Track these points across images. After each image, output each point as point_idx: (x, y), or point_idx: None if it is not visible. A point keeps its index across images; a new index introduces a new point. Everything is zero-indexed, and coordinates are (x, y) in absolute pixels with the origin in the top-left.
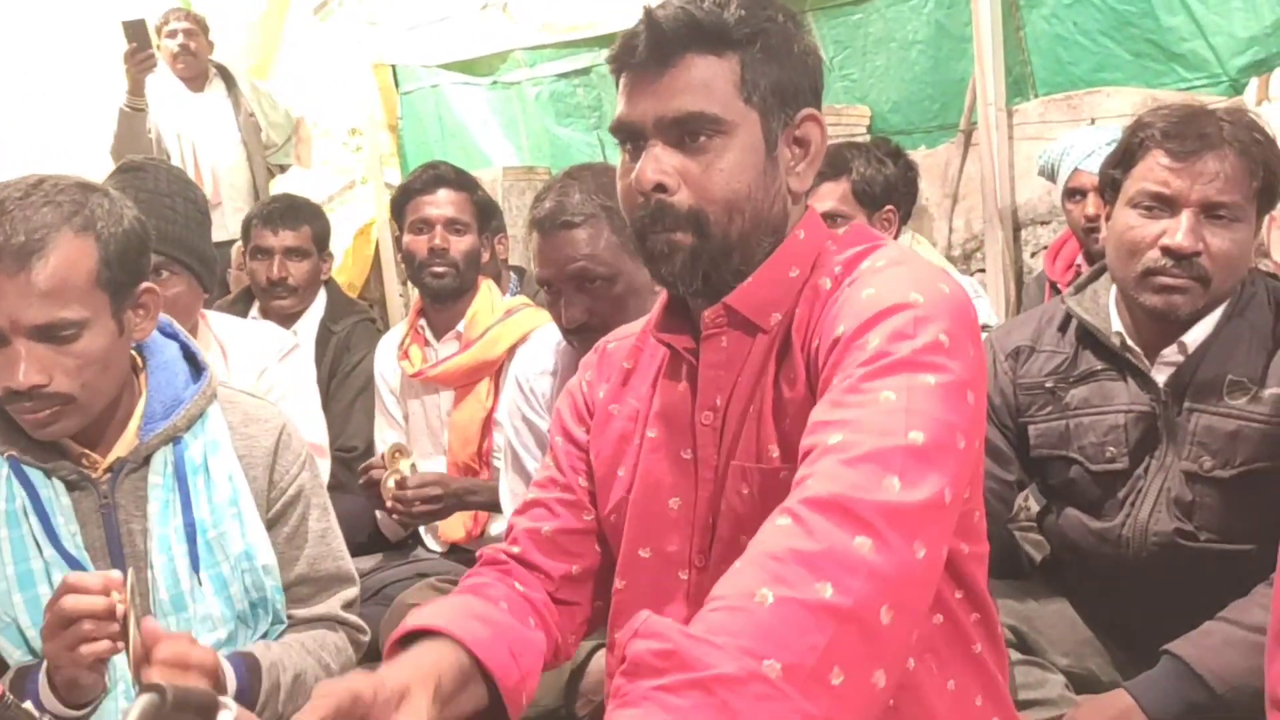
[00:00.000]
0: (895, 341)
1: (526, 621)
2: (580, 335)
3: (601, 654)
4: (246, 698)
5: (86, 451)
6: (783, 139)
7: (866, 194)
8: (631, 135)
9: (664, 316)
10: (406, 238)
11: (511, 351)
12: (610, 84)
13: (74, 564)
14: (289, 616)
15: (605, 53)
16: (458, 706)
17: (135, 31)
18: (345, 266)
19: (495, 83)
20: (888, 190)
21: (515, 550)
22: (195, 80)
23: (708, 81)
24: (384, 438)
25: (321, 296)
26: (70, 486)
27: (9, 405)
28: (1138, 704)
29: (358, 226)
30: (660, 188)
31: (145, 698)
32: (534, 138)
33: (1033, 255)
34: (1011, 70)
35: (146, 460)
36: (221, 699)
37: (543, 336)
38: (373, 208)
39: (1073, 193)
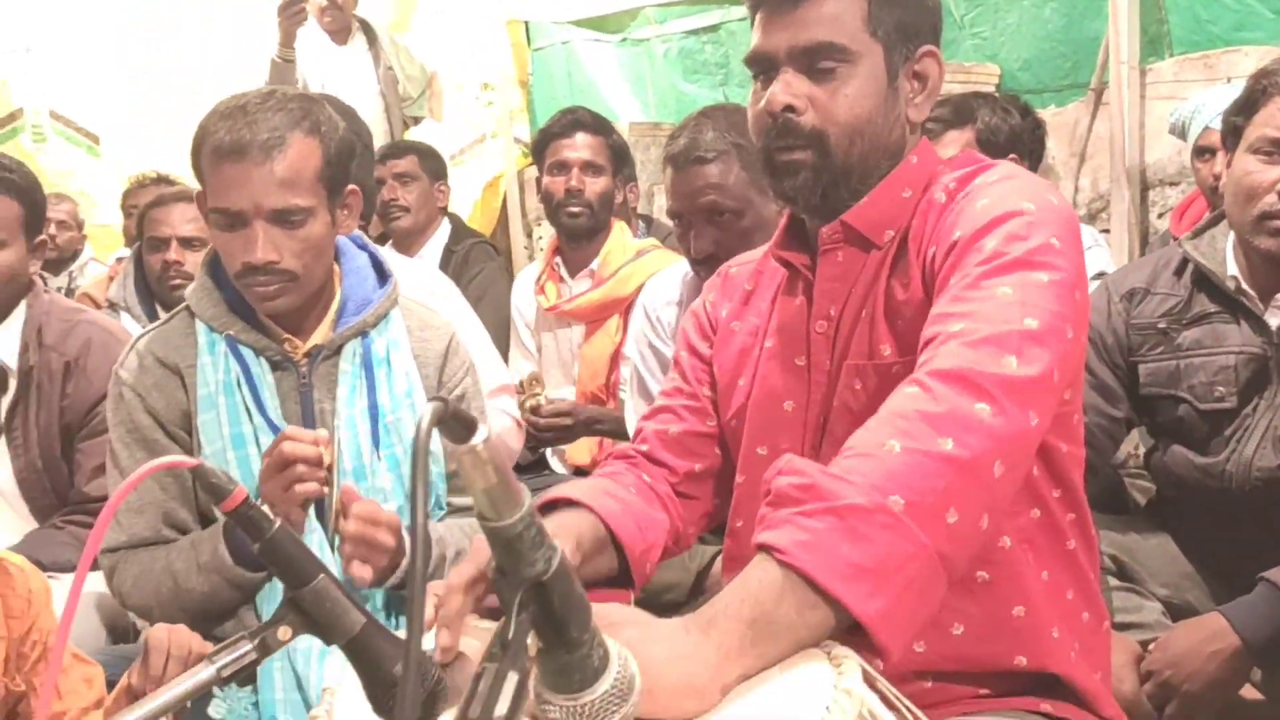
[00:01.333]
0: (1010, 243)
1: (652, 503)
2: (706, 266)
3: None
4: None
5: (290, 337)
6: (903, 72)
7: (991, 143)
8: (765, 65)
9: (783, 238)
10: (545, 179)
11: (641, 290)
12: (738, 41)
13: (276, 431)
14: (448, 504)
15: (734, 10)
16: (592, 568)
17: None
18: (474, 218)
19: (624, 39)
20: (1012, 140)
21: (644, 448)
22: (340, 34)
23: (837, 15)
24: (518, 368)
25: (445, 225)
26: (274, 366)
27: (242, 280)
28: (1231, 626)
29: (487, 179)
30: (789, 109)
31: (433, 405)
32: (661, 94)
33: (1159, 216)
34: (1147, 29)
35: (338, 350)
36: (475, 437)
37: (670, 270)
38: (501, 161)
39: (1202, 151)
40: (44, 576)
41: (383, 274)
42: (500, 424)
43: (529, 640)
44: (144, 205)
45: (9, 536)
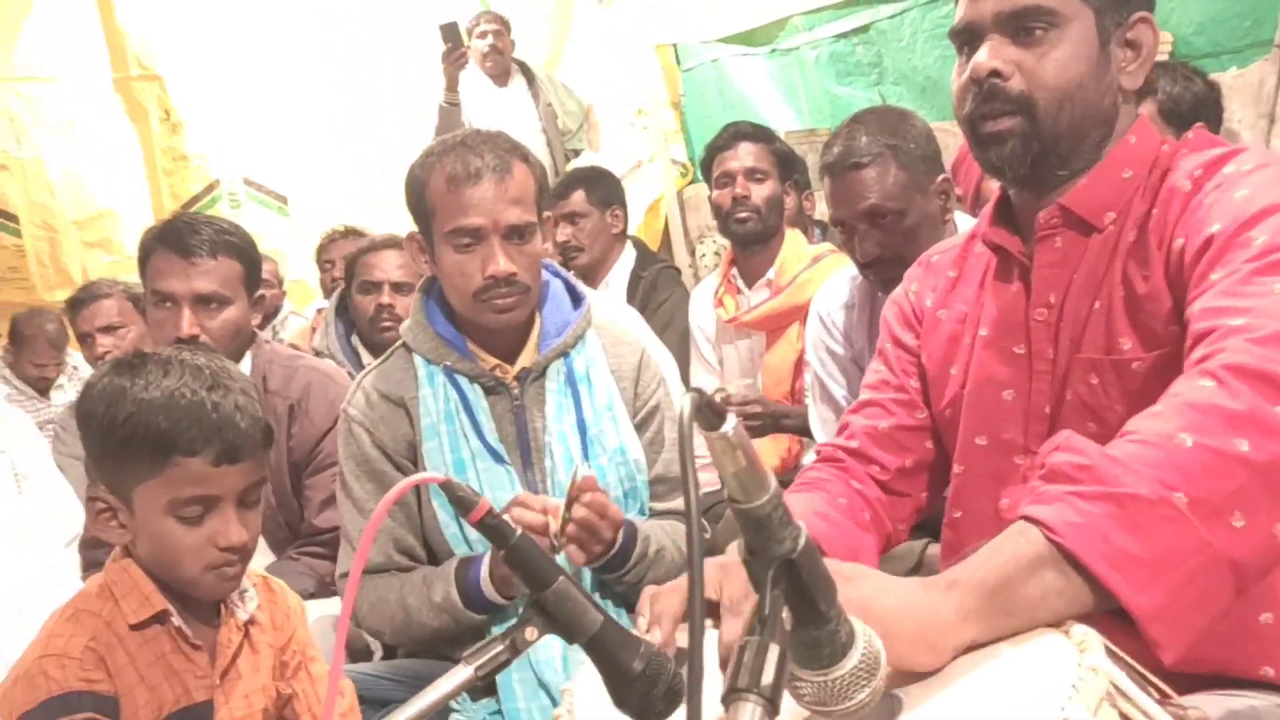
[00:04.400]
0: None
1: (861, 518)
2: (875, 269)
3: (933, 549)
4: (625, 553)
5: (499, 363)
6: (1115, 38)
7: (1174, 112)
8: (969, 35)
9: (993, 221)
10: (714, 193)
11: None
12: (889, 40)
13: (494, 454)
14: (649, 509)
15: (883, 9)
16: None
17: (450, 34)
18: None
19: (774, 50)
20: (1196, 108)
21: (853, 445)
22: (500, 76)
23: None
24: (700, 384)
25: (629, 251)
26: (488, 391)
27: (482, 296)
28: None
29: (647, 203)
30: (995, 73)
31: (689, 395)
32: (814, 100)
33: None
34: None
35: (544, 372)
36: (726, 424)
37: (840, 273)
38: (660, 184)
39: None
40: (299, 598)
41: (575, 296)
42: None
43: (784, 616)
44: (355, 252)
45: (253, 569)
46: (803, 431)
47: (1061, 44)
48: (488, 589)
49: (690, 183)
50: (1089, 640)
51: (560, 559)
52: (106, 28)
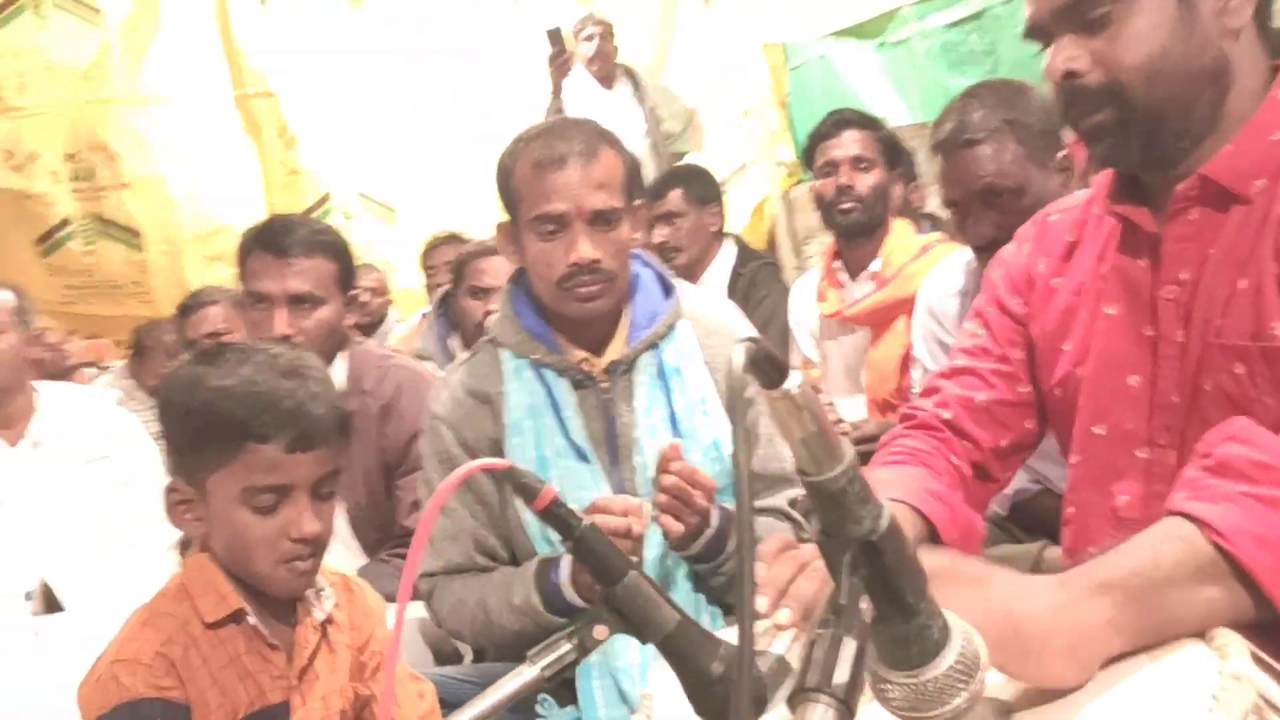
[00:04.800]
0: None
1: (964, 495)
2: (991, 252)
3: (1052, 551)
4: (721, 541)
5: (587, 356)
6: None
7: None
8: (1041, 35)
9: (1115, 188)
10: (817, 183)
11: None
12: (1003, 25)
13: (579, 452)
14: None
15: None
16: None
17: (555, 39)
18: None
19: (883, 43)
20: None
21: (947, 415)
22: (605, 80)
23: None
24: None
25: (729, 248)
26: (576, 386)
27: (565, 284)
28: None
29: (752, 205)
30: (1070, 74)
31: (744, 344)
32: (926, 92)
33: None
34: None
35: (633, 364)
36: (790, 382)
37: (951, 259)
38: (766, 185)
39: None
40: (380, 597)
41: (666, 286)
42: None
43: (863, 606)
44: (466, 255)
45: (344, 570)
46: None
47: (1130, 19)
48: (568, 592)
49: (797, 183)
50: (1231, 645)
51: (650, 561)
52: (226, 49)
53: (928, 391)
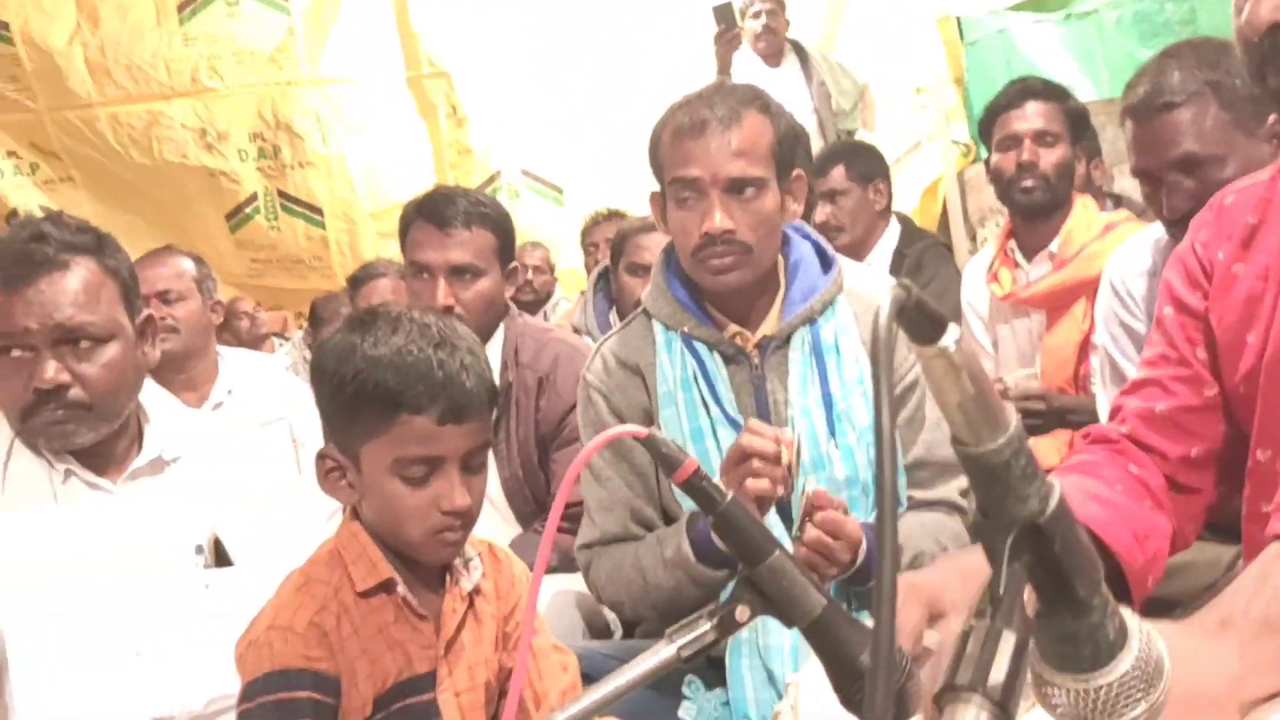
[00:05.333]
0: None
1: (1143, 502)
2: (1184, 227)
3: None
4: (867, 570)
5: (740, 329)
6: None
7: None
8: None
9: None
10: (994, 157)
11: None
12: None
13: (733, 424)
14: (908, 498)
15: None
16: None
17: (724, 14)
18: None
19: (1068, 15)
20: None
21: (1124, 430)
22: (773, 57)
23: None
24: None
25: (893, 227)
26: (727, 360)
27: (699, 255)
28: None
29: (924, 185)
30: (1276, 26)
31: (895, 291)
32: (1115, 67)
33: None
34: None
35: (787, 340)
36: (946, 337)
37: (1139, 236)
38: (939, 165)
39: None
40: (525, 566)
41: (826, 260)
42: None
43: (1026, 597)
44: (626, 230)
45: (498, 542)
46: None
47: None
48: (717, 538)
49: (972, 163)
50: None
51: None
52: (401, 30)
53: (1112, 412)
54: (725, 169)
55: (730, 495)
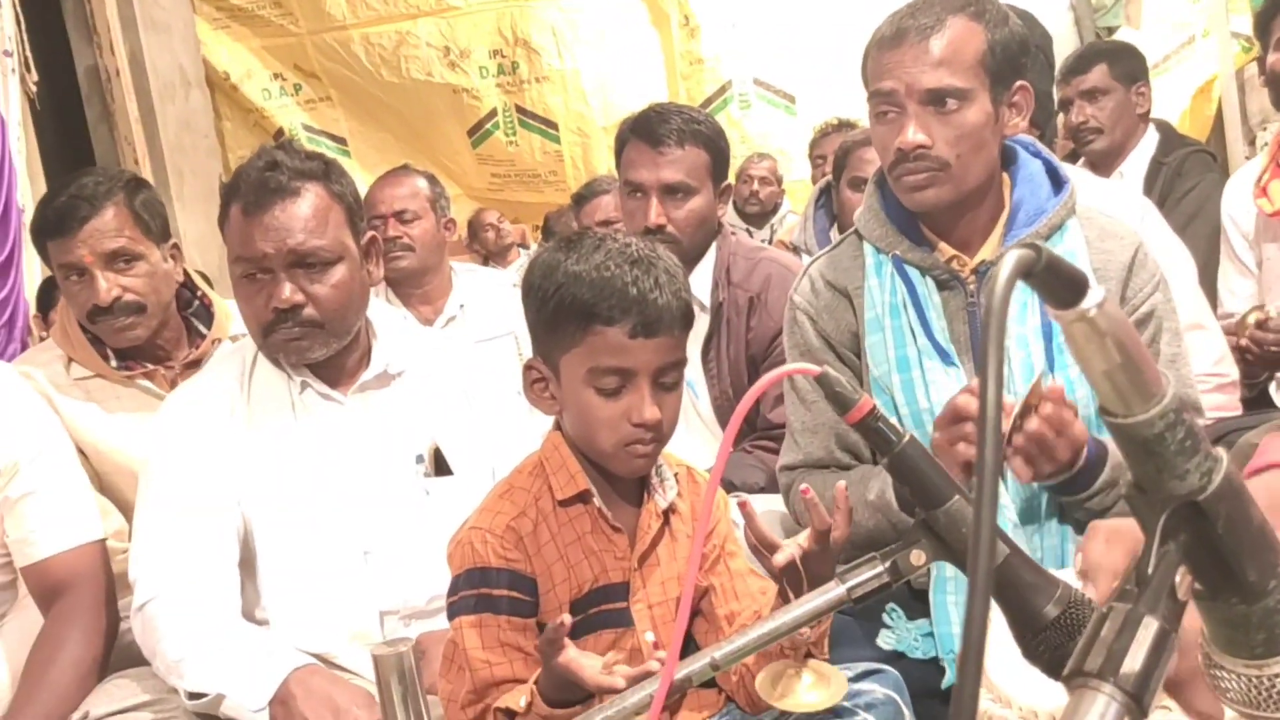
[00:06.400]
0: None
1: None
2: None
3: None
4: (1089, 475)
5: (957, 254)
6: None
7: None
8: None
9: None
10: (1272, 56)
11: None
12: None
13: (942, 354)
14: None
15: None
16: None
17: None
18: (1181, 129)
19: None
20: None
21: None
22: None
23: None
24: (1230, 288)
25: (1151, 134)
26: (940, 286)
27: (894, 173)
28: None
29: (1196, 85)
30: None
31: (1019, 251)
32: None
33: None
34: None
35: None
36: (1087, 300)
37: None
38: (1215, 62)
39: None
40: (723, 492)
41: (1057, 181)
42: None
43: (1179, 580)
44: (848, 144)
45: (708, 459)
46: None
47: None
48: (894, 479)
49: (1254, 59)
50: None
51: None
52: None
53: None
54: (921, 80)
55: (908, 436)
